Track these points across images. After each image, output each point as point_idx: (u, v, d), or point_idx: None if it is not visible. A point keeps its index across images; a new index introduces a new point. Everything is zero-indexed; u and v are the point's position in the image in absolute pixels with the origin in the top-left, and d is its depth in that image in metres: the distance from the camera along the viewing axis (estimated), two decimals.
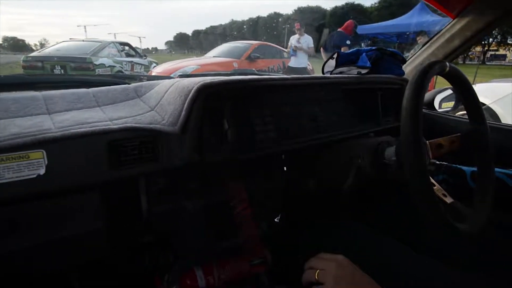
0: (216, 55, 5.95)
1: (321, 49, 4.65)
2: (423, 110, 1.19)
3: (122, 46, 6.63)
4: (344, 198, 1.02)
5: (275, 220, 1.12)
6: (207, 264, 1.00)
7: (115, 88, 0.93)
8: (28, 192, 0.65)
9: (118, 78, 1.07)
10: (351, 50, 1.13)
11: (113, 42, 6.39)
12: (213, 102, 0.79)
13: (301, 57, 4.99)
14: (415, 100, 0.65)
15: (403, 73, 1.14)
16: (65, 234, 0.77)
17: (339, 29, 4.62)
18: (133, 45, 7.27)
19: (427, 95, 1.26)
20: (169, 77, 1.14)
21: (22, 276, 0.80)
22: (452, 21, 1.16)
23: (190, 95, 0.74)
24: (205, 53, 6.72)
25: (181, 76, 1.18)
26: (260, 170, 1.08)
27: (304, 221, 1.19)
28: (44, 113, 0.77)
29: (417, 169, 0.63)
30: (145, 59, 7.31)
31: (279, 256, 1.00)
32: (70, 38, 6.45)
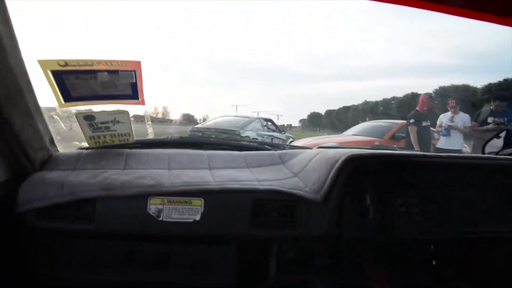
0: (355, 133, 6.02)
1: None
2: None
3: (266, 122, 7.69)
4: None
5: None
6: None
7: (262, 153, 1.10)
8: (183, 233, 0.84)
9: (265, 145, 1.26)
10: None
11: (258, 118, 7.56)
12: (357, 175, 0.82)
13: (456, 137, 4.48)
14: None
15: None
16: (202, 282, 0.91)
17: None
18: None
19: None
20: (309, 148, 1.25)
21: None
22: None
23: (337, 164, 0.79)
24: (336, 132, 6.82)
25: (321, 147, 1.28)
26: (402, 258, 0.99)
27: None
28: (206, 168, 0.98)
29: None
30: (283, 134, 8.15)
31: None
32: (224, 115, 7.97)
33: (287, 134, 8.49)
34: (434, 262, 1.02)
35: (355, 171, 0.81)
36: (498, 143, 1.04)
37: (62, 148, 0.98)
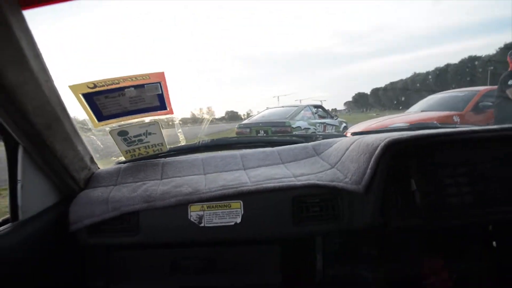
0: (424, 109, 5.30)
1: None
2: None
3: (315, 109, 7.46)
4: None
5: None
6: None
7: (295, 147, 1.08)
8: (226, 237, 0.86)
9: (296, 137, 1.25)
10: None
11: (308, 106, 7.27)
12: (398, 160, 0.78)
13: None
14: None
15: None
16: (250, 282, 0.93)
17: None
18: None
19: None
20: (342, 135, 1.21)
21: None
22: None
23: (376, 152, 0.76)
24: (385, 110, 6.09)
25: (354, 134, 1.22)
26: (459, 243, 0.94)
27: None
28: (241, 168, 0.99)
29: None
30: (336, 119, 7.84)
31: None
32: (267, 107, 7.88)
33: (339, 119, 8.17)
34: (494, 244, 0.95)
35: (397, 156, 0.77)
36: None
37: (102, 165, 1.05)
